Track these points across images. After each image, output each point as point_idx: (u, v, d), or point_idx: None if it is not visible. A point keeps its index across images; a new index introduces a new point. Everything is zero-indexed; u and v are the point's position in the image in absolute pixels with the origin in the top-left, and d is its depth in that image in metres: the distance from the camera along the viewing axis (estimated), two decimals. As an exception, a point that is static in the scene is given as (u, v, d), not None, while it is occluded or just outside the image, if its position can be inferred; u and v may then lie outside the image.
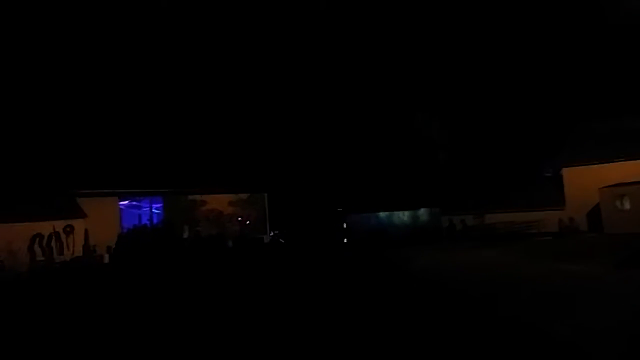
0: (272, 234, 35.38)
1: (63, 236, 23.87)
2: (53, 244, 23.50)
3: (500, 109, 35.18)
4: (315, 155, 40.96)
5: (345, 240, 38.56)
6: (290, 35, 38.52)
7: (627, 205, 25.35)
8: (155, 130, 30.59)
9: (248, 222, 33.07)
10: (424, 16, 39.45)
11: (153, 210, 33.51)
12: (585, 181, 28.42)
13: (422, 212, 38.20)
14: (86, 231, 24.46)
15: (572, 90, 32.19)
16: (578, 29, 29.88)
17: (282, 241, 35.96)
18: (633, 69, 28.84)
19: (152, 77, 31.87)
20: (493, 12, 37.39)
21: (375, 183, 40.53)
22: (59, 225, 23.84)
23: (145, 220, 32.12)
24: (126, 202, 32.57)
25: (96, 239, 25.24)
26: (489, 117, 35.63)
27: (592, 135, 30.11)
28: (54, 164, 25.35)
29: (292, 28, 38.54)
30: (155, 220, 32.28)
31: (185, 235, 27.76)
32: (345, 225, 40.46)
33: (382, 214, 40.80)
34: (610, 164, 27.83)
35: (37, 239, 23.70)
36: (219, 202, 32.95)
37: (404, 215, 39.64)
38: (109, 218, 27.18)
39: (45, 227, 23.80)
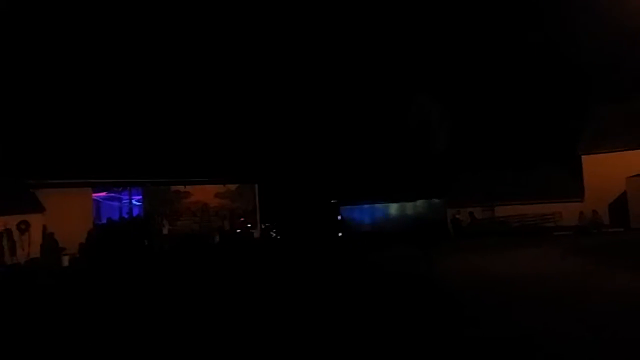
0: (263, 227, 32.69)
1: (17, 234, 20.56)
2: (5, 243, 20.17)
3: (510, 90, 32.62)
4: (308, 143, 38.38)
5: (340, 235, 35.98)
6: (275, 27, 35.72)
7: (658, 197, 22.86)
8: (133, 114, 27.58)
9: (239, 216, 30.16)
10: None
11: (133, 202, 30.57)
12: (607, 170, 25.88)
13: (424, 204, 35.63)
14: (44, 228, 21.26)
15: (588, 70, 29.59)
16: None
17: (274, 235, 33.34)
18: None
19: (131, 63, 28.88)
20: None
21: (371, 172, 37.98)
22: (12, 221, 20.49)
23: (124, 214, 29.28)
24: (104, 193, 29.62)
25: (65, 237, 22.14)
26: (498, 99, 33.04)
27: (612, 119, 27.56)
28: (13, 151, 22.20)
29: (275, 20, 35.76)
30: (135, 214, 29.41)
31: (165, 230, 24.86)
32: (340, 218, 37.91)
33: (379, 206, 38.23)
34: (636, 150, 25.27)
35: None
36: (204, 193, 30.06)
37: (403, 207, 37.06)
38: (80, 212, 24.10)
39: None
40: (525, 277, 11.44)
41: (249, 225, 29.50)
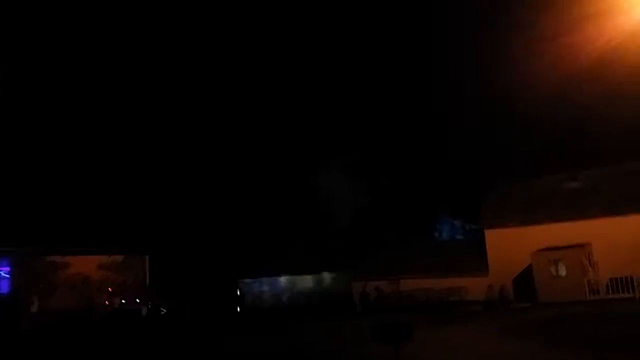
0: (150, 303, 29.43)
1: None
2: None
3: (411, 164, 32.70)
4: (206, 211, 36.07)
5: (239, 310, 33.38)
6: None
7: (562, 272, 22.90)
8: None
9: (122, 290, 26.99)
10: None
11: (1, 274, 26.52)
12: (511, 245, 25.90)
13: (328, 277, 34.17)
14: None
15: (489, 147, 30.32)
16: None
17: (163, 311, 30.17)
18: (555, 126, 27.32)
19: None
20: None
21: (273, 243, 36.16)
22: None
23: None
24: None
25: None
26: (398, 172, 32.95)
27: (515, 195, 28.02)
28: None
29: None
30: (2, 287, 25.41)
31: (35, 307, 21.32)
32: (239, 292, 35.38)
33: (282, 279, 36.25)
34: (538, 225, 25.52)
35: None
36: (86, 264, 26.74)
37: (307, 280, 35.32)
38: None
39: None
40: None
41: (123, 300, 26.30)
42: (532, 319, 17.56)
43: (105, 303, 26.28)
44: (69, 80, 29.51)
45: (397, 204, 32.60)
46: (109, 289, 27.49)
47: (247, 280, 36.26)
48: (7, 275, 25.64)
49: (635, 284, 21.63)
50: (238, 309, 33.10)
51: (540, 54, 25.05)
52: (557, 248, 23.63)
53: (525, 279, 24.62)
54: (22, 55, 27.16)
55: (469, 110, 31.68)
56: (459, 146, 31.82)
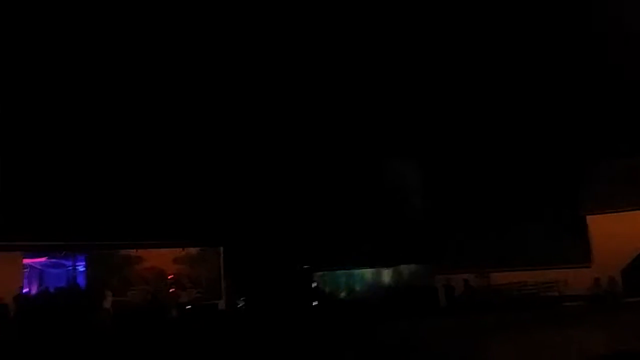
0: (226, 297, 28.78)
1: None
2: None
3: (502, 141, 30.07)
4: (280, 203, 35.09)
5: (315, 304, 32.22)
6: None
7: (684, 262, 20.04)
8: (71, 162, 23.94)
9: (198, 283, 26.48)
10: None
11: (78, 269, 26.48)
12: (617, 231, 23.16)
13: (409, 269, 32.35)
14: None
15: (594, 117, 27.23)
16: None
17: (241, 305, 29.48)
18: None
19: (74, 102, 25.45)
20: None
21: (348, 234, 34.67)
22: None
23: (66, 283, 25.13)
24: (43, 259, 25.51)
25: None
26: (489, 154, 30.45)
27: (618, 173, 25.11)
28: None
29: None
30: (79, 282, 25.32)
31: (107, 303, 20.80)
32: (314, 285, 34.26)
33: (357, 272, 34.84)
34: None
35: None
36: (160, 258, 26.22)
37: (385, 273, 33.69)
38: (5, 282, 20.03)
39: None
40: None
41: (199, 294, 25.67)
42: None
43: (181, 297, 25.71)
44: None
45: (485, 188, 30.07)
46: (185, 282, 26.95)
47: (324, 273, 35.16)
48: (83, 269, 25.55)
49: None
50: (314, 303, 32.04)
51: None
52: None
53: (637, 270, 21.98)
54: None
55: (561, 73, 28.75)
56: (553, 119, 28.85)
